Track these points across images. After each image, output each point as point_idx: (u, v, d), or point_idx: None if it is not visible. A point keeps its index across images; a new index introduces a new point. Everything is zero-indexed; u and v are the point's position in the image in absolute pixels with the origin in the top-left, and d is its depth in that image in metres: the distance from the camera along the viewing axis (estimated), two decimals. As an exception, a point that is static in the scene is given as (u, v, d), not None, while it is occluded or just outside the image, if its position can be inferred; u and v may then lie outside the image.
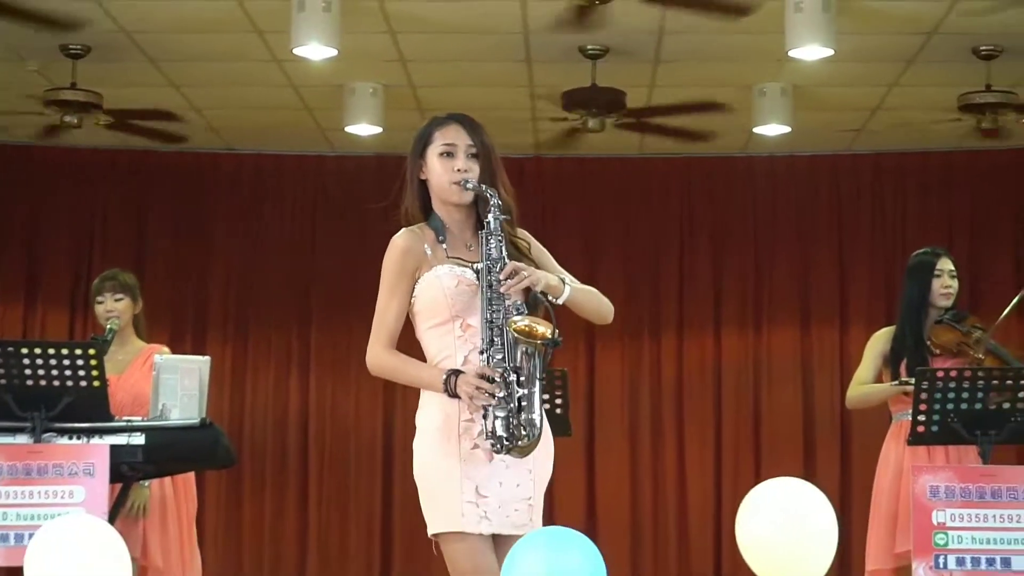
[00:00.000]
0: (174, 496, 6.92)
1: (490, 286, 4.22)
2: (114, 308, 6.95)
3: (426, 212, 4.44)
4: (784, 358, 12.00)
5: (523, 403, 4.16)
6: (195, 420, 6.15)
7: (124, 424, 6.07)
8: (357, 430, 11.95)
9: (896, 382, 6.79)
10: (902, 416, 6.73)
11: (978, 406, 6.12)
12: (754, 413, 11.93)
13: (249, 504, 11.81)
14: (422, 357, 4.39)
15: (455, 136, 4.37)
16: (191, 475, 7.06)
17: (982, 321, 7.00)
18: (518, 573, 3.69)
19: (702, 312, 12.07)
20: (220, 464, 6.54)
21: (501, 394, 4.15)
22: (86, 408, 6.04)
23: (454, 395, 4.21)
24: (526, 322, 4.14)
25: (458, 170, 4.33)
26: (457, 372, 4.22)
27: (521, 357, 4.18)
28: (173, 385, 6.22)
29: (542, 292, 4.25)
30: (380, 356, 4.38)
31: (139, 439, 6.03)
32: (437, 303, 4.31)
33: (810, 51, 8.81)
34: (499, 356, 4.18)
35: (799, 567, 4.38)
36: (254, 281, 12.08)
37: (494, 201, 4.28)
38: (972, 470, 6.11)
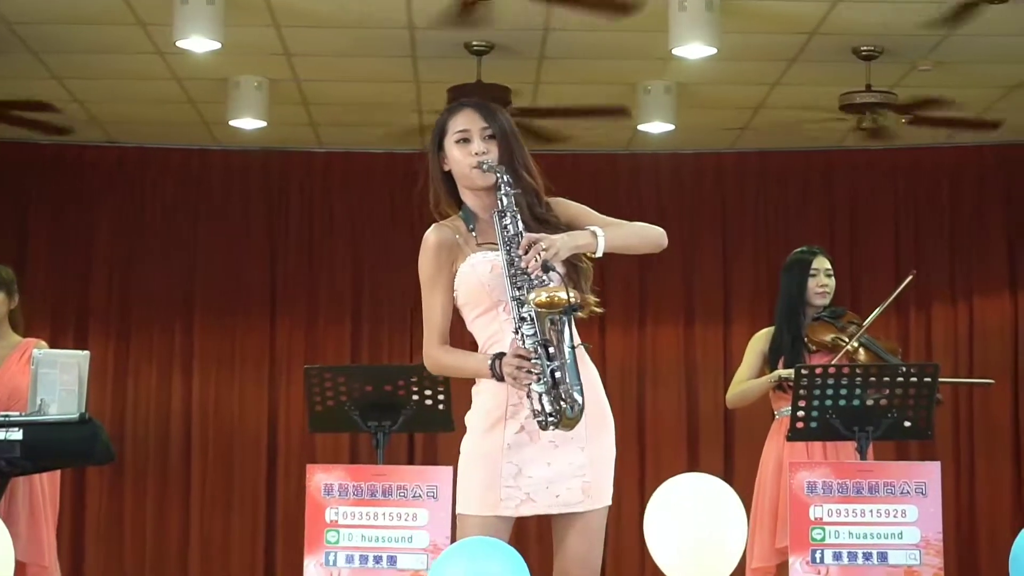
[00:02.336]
0: (40, 497, 6.78)
1: (511, 263, 4.17)
2: (-12, 302, 6.85)
3: (459, 203, 4.43)
4: (668, 356, 12.06)
5: (557, 375, 4.09)
6: (74, 416, 6.08)
7: (1, 419, 5.99)
8: (242, 428, 11.84)
9: (771, 376, 6.87)
10: (783, 413, 6.80)
11: (856, 403, 6.19)
12: (638, 410, 11.97)
13: (131, 502, 11.67)
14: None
15: (468, 121, 4.34)
16: (56, 477, 6.94)
17: (860, 317, 7.10)
18: None
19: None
20: (99, 460, 6.46)
21: (538, 369, 4.09)
22: (-38, 404, 5.97)
23: (502, 378, 4.19)
24: (544, 295, 4.05)
25: (475, 153, 4.30)
26: (501, 355, 4.19)
27: (548, 330, 4.11)
28: (52, 380, 6.15)
29: (572, 256, 4.20)
30: (435, 356, 4.39)
31: (17, 434, 5.96)
32: (476, 292, 4.30)
33: (694, 49, 8.87)
34: (531, 332, 4.12)
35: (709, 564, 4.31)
36: (137, 276, 11.93)
37: (501, 178, 4.24)
38: (850, 465, 6.18)
